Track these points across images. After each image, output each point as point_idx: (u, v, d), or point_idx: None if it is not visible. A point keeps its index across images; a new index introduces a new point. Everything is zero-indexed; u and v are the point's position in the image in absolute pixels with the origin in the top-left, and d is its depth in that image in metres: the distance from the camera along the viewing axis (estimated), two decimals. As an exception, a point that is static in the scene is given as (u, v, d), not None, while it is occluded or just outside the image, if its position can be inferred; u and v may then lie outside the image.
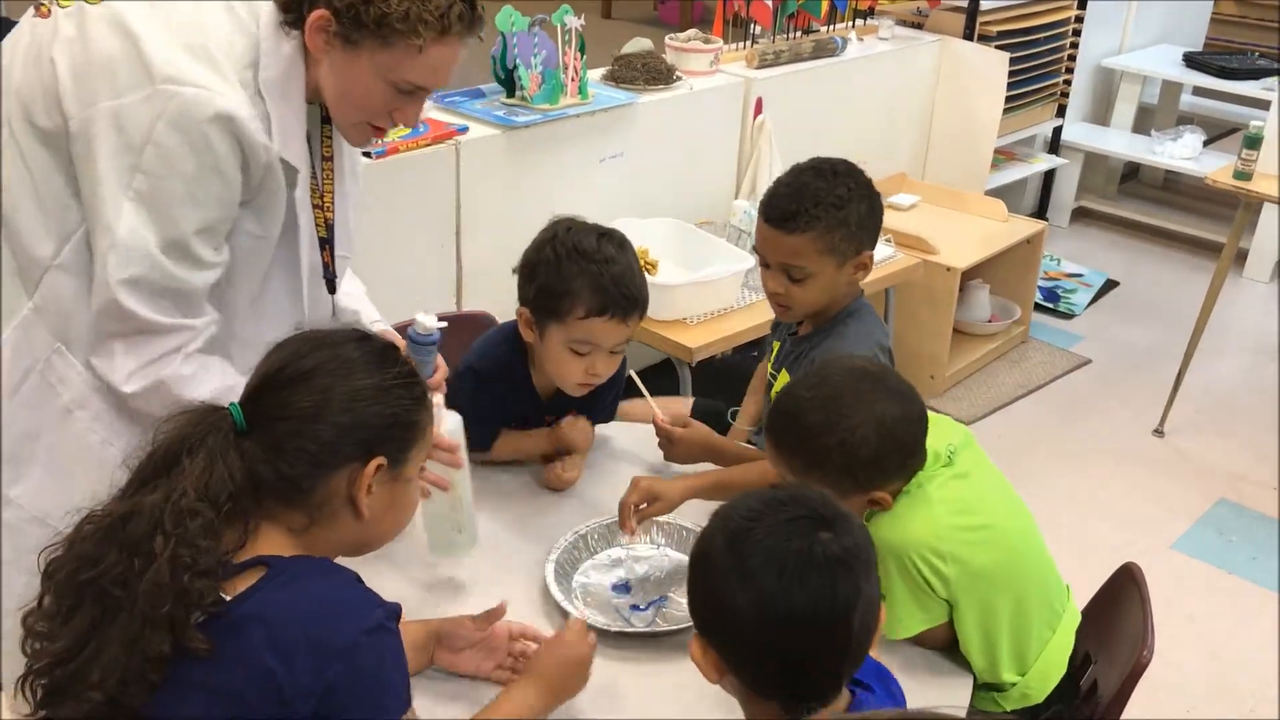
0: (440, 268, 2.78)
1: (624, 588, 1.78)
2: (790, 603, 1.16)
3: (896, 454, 1.61)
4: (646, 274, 3.10)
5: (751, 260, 3.12)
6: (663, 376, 3.42)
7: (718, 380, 3.57)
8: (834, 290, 2.05)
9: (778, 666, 1.20)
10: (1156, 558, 3.17)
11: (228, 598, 1.16)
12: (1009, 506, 1.74)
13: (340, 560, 1.32)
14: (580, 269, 1.88)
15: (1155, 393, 3.89)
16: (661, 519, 1.89)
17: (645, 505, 1.85)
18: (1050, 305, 4.63)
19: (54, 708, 1.17)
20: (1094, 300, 4.74)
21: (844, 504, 1.61)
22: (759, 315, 3.10)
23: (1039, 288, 4.46)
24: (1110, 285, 4.88)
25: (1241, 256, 4.99)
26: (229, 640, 1.15)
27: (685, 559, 1.79)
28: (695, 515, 1.89)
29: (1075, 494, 3.48)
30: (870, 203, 2.02)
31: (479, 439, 2.03)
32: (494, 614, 1.58)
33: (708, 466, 2.05)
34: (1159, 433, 3.79)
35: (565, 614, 1.69)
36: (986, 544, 1.64)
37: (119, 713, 1.14)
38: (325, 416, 1.23)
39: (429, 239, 2.93)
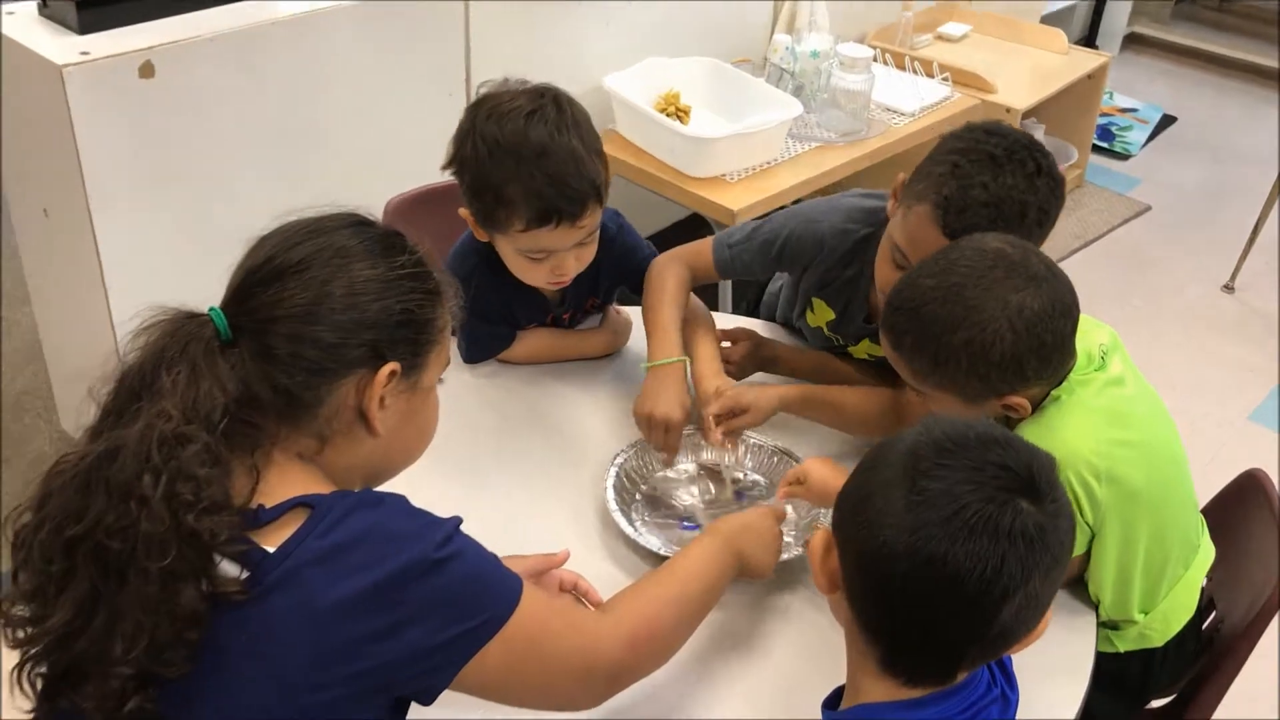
0: (448, 123, 2.43)
1: (693, 526, 1.54)
2: (945, 552, 0.94)
3: (1037, 354, 1.34)
4: (678, 122, 2.80)
5: (799, 107, 2.78)
6: (688, 233, 3.13)
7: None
8: None
9: (896, 612, 1.00)
10: (1232, 431, 2.93)
11: (270, 549, 1.00)
12: (1160, 421, 1.50)
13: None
14: (509, 171, 1.53)
15: (1223, 243, 3.60)
16: (753, 441, 1.65)
17: (730, 418, 1.60)
18: (1104, 145, 4.28)
19: (70, 694, 0.98)
20: (1150, 138, 4.39)
21: (975, 410, 1.40)
22: (805, 169, 2.80)
23: (1093, 126, 4.11)
24: (1167, 121, 4.52)
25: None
26: (281, 597, 0.98)
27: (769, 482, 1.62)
28: (790, 438, 1.66)
29: (1140, 358, 3.15)
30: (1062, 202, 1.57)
31: (494, 343, 1.79)
32: (552, 561, 1.38)
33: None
34: (1229, 288, 3.51)
35: (623, 534, 1.49)
36: (1140, 462, 1.41)
37: (154, 687, 0.97)
38: (323, 315, 1.07)
39: (435, 88, 2.59)
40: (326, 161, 2.42)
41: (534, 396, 1.76)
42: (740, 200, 2.66)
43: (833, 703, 1.10)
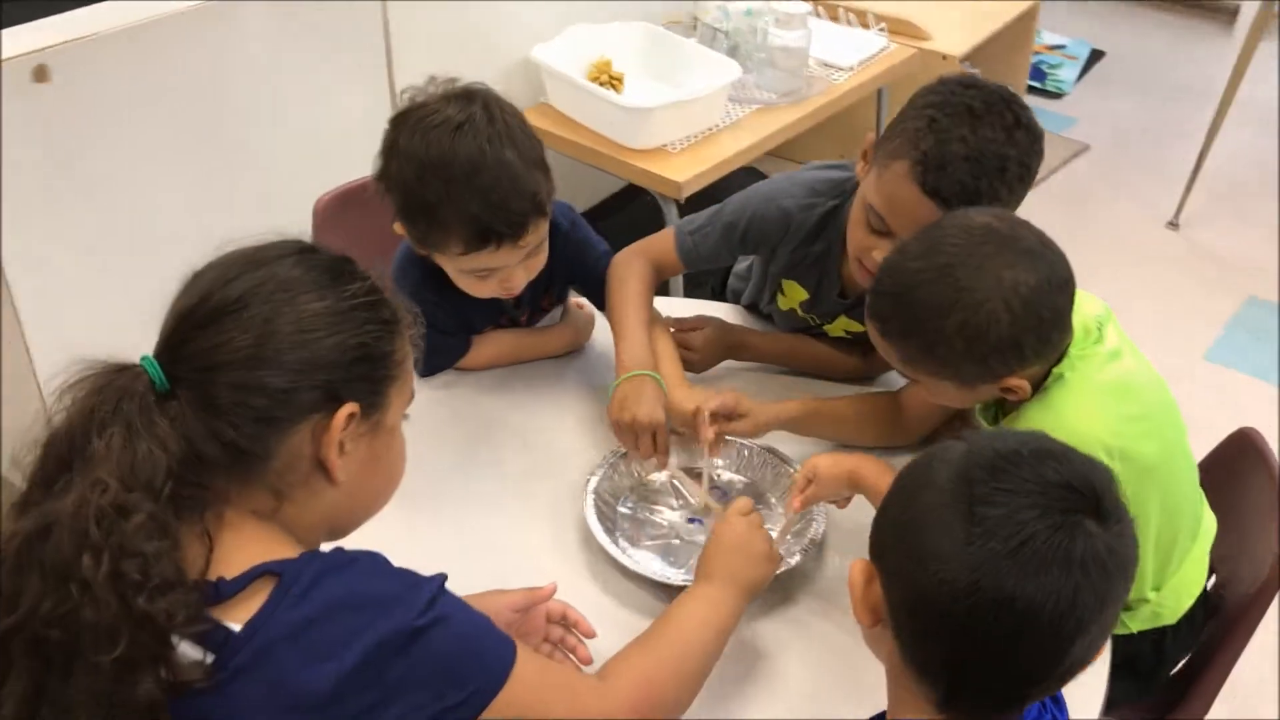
0: (371, 108, 2.30)
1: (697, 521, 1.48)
2: (1014, 588, 0.86)
3: (1035, 332, 1.27)
4: (612, 92, 2.68)
5: (737, 69, 2.67)
6: (627, 204, 3.02)
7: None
8: None
9: (958, 652, 0.90)
10: (1190, 372, 2.91)
11: (236, 627, 0.91)
12: (1160, 388, 1.43)
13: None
14: (438, 193, 1.41)
15: (1164, 178, 3.57)
16: (738, 441, 1.55)
17: (726, 420, 1.51)
18: (1036, 84, 4.22)
19: None
20: (1081, 74, 4.34)
21: (971, 394, 1.33)
22: (748, 134, 2.69)
23: (1023, 66, 4.05)
24: (1096, 56, 4.48)
25: (1232, 12, 4.60)
26: (251, 682, 0.90)
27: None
28: (773, 438, 1.57)
29: (1091, 302, 3.18)
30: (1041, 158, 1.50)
31: (450, 352, 1.67)
32: (537, 595, 1.29)
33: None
34: (1173, 225, 3.48)
35: (607, 554, 1.40)
36: (1151, 435, 1.35)
37: None
38: (269, 357, 0.96)
39: (355, 72, 2.44)
40: (247, 163, 2.27)
41: (497, 406, 1.65)
42: (684, 171, 2.54)
43: None
